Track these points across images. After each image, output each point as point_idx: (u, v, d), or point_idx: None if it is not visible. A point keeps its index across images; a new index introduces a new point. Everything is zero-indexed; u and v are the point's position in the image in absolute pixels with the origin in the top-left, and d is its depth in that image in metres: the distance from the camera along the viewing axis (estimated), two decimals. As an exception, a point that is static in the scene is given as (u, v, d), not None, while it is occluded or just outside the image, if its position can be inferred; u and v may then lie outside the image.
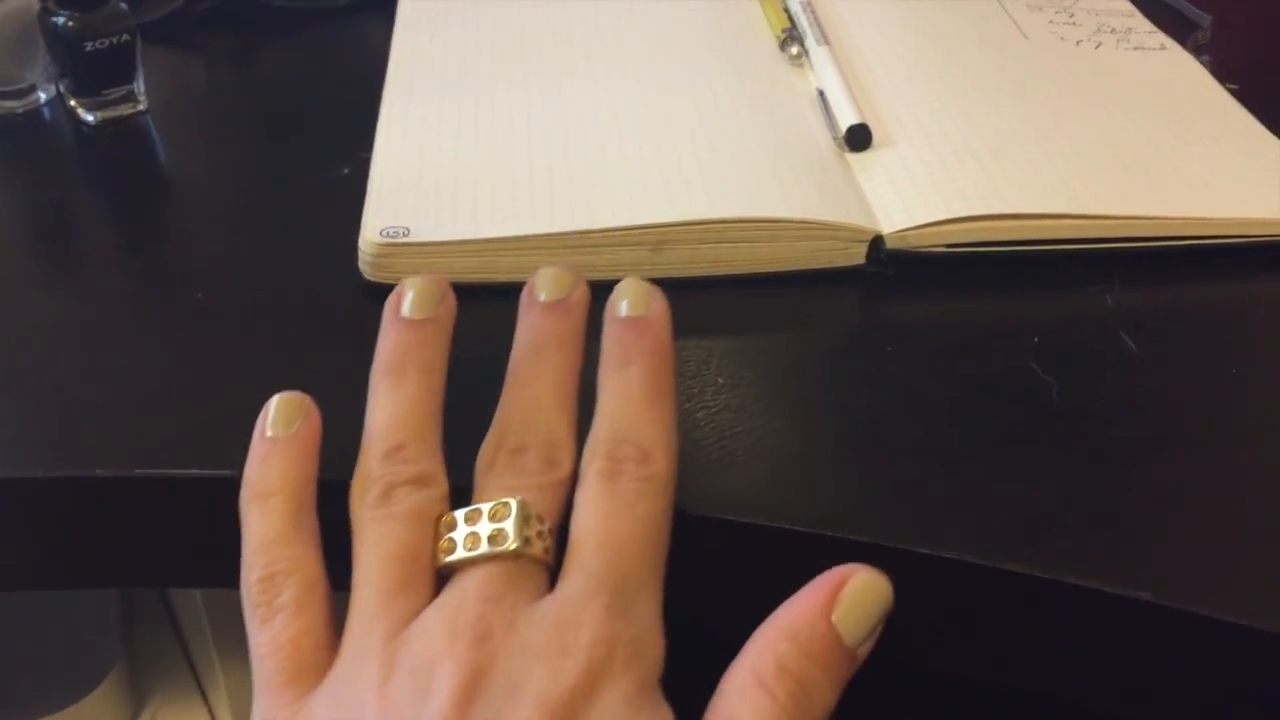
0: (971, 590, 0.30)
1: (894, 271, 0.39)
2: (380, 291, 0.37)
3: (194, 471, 0.31)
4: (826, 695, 0.24)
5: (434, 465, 0.28)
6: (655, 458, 0.27)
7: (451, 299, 0.31)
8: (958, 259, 0.40)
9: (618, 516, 0.26)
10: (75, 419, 0.33)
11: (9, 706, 0.59)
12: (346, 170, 0.43)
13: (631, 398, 0.28)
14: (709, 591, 0.33)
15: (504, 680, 0.23)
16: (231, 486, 0.29)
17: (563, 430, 0.28)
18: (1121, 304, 0.38)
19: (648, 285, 0.31)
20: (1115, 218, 0.40)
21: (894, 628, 0.32)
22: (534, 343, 0.30)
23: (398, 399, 0.29)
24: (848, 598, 0.25)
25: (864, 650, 0.25)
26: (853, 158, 0.43)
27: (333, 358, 0.35)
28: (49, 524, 0.33)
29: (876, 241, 0.39)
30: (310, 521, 0.28)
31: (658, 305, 0.30)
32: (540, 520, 0.26)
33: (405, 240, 0.37)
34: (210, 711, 0.60)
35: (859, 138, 0.43)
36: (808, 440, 0.33)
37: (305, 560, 0.27)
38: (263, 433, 0.29)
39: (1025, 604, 0.30)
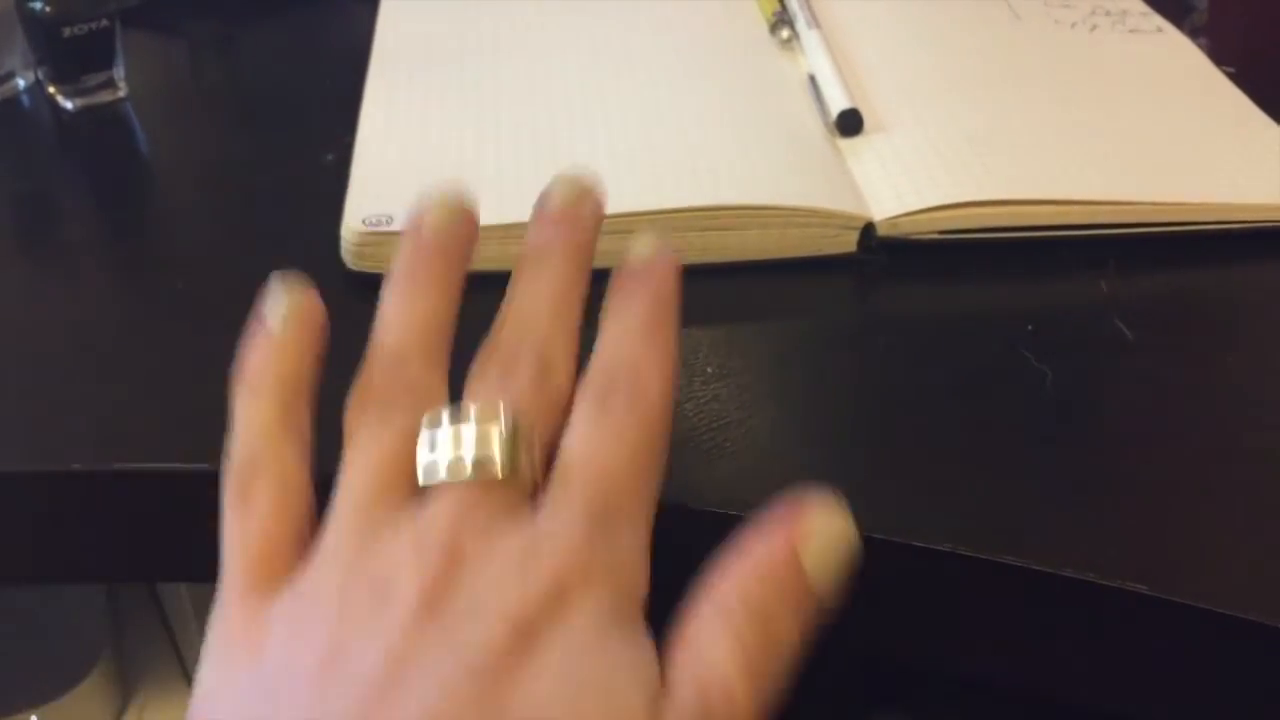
0: (964, 583, 0.29)
1: (886, 259, 0.39)
2: (363, 280, 0.36)
3: (174, 466, 0.31)
4: (794, 639, 0.23)
5: (436, 381, 0.27)
6: (650, 385, 0.26)
7: (474, 221, 0.30)
8: (950, 246, 0.39)
9: (607, 443, 0.25)
10: (52, 411, 0.33)
11: (-5, 700, 0.58)
12: (330, 157, 0.42)
13: (630, 327, 0.27)
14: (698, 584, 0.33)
15: (467, 594, 0.22)
16: (212, 481, 0.28)
17: (559, 344, 0.27)
18: (1117, 291, 0.38)
19: (653, 236, 0.29)
20: (1110, 203, 0.39)
21: (886, 621, 0.32)
22: (537, 252, 0.29)
23: (410, 312, 0.28)
24: (817, 539, 0.24)
25: (828, 594, 0.24)
26: (844, 143, 0.42)
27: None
28: (25, 519, 0.33)
29: (868, 228, 0.39)
30: (299, 420, 0.27)
31: (664, 249, 0.29)
32: (530, 442, 0.25)
33: (389, 229, 0.36)
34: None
35: (850, 123, 0.42)
36: (798, 430, 0.33)
37: (287, 457, 0.26)
38: (263, 321, 0.27)
39: (1019, 597, 0.29)
